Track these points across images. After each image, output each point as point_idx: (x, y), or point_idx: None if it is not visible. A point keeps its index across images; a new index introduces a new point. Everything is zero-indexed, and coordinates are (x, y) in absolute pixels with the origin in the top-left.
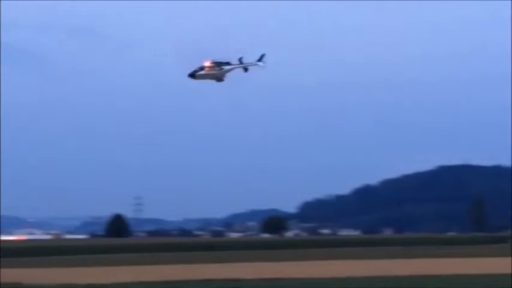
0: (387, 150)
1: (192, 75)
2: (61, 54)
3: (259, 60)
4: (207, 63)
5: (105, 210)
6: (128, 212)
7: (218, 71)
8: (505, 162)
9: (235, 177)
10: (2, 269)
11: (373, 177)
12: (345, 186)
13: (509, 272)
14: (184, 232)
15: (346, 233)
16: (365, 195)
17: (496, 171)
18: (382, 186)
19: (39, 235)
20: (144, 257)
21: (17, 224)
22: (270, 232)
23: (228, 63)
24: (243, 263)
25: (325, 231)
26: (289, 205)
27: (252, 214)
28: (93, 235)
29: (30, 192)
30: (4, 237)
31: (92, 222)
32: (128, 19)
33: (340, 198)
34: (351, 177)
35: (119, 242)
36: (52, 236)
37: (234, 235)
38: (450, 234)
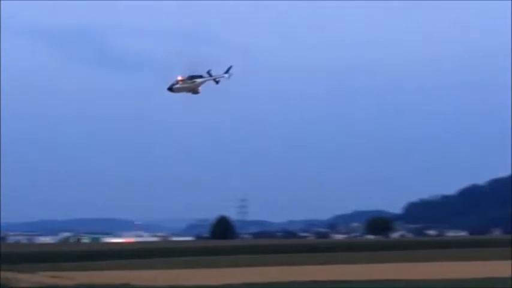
0: (494, 149)
1: (170, 88)
2: None
3: (226, 72)
4: (179, 77)
5: (211, 213)
6: (233, 214)
7: (191, 84)
8: None
9: (338, 179)
10: (110, 271)
11: (480, 177)
12: (451, 186)
13: None
14: (288, 234)
15: (452, 233)
16: (472, 195)
17: None
18: (489, 186)
19: (147, 237)
20: (249, 259)
21: (125, 226)
22: (374, 233)
23: (200, 76)
24: (348, 265)
25: (431, 232)
26: (394, 206)
27: (356, 215)
28: (199, 237)
29: (138, 196)
30: (113, 240)
31: (198, 224)
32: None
33: (446, 199)
34: (457, 177)
35: (224, 244)
36: (159, 238)
37: (338, 236)
38: None
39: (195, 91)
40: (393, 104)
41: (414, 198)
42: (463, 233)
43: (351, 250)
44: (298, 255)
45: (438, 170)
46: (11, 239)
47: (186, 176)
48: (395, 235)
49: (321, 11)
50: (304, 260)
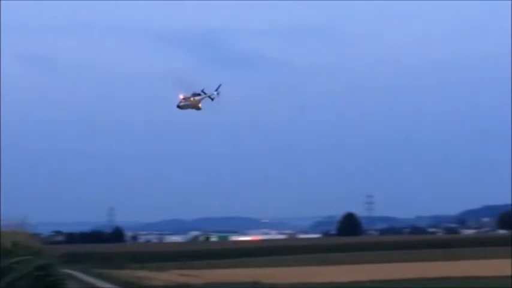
0: None
1: (178, 106)
2: None
3: (216, 90)
4: (181, 96)
5: (337, 209)
6: (359, 211)
7: (192, 102)
8: None
9: (467, 173)
10: (239, 269)
11: None
12: None
13: None
14: (416, 230)
15: None
16: None
17: None
18: None
19: (274, 235)
20: (376, 256)
21: (252, 224)
22: (506, 228)
23: (199, 94)
24: (478, 261)
25: None
26: None
27: (486, 210)
28: (326, 234)
29: (265, 194)
30: (240, 238)
31: (324, 221)
32: None
33: None
34: None
35: (350, 241)
36: (286, 236)
37: (468, 232)
38: None
39: (197, 107)
40: None
41: None
42: None
43: (481, 245)
44: (427, 251)
45: None
46: (142, 238)
47: (312, 174)
48: None
49: None
50: (433, 257)
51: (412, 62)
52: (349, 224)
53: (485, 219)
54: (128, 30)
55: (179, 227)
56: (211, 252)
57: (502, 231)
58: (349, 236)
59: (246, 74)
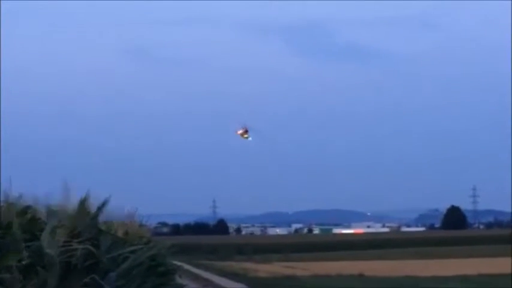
0: None
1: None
2: None
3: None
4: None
5: (442, 203)
6: (464, 204)
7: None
8: None
9: None
10: (343, 261)
11: None
12: None
13: None
14: None
15: None
16: None
17: None
18: None
19: (377, 228)
20: (482, 250)
21: (356, 217)
22: None
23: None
24: None
25: None
26: None
27: None
28: (430, 227)
29: (368, 187)
30: (343, 231)
31: (429, 214)
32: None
33: None
34: None
35: (455, 235)
36: (389, 229)
37: None
38: None
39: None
40: None
41: None
42: None
43: None
44: None
45: None
46: (246, 231)
47: (415, 166)
48: None
49: None
50: None
51: None
52: (454, 217)
53: None
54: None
55: (281, 219)
56: (314, 244)
57: None
58: (454, 230)
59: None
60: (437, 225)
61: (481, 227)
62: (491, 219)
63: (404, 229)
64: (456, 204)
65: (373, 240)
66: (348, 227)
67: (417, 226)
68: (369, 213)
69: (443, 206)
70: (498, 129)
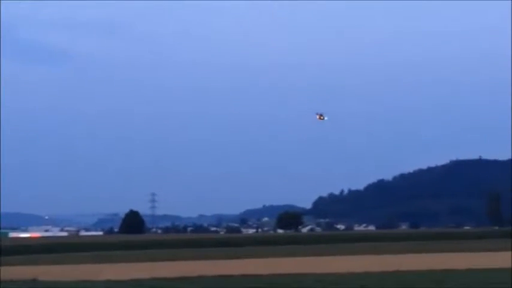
0: (401, 146)
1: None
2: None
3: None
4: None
5: (121, 207)
6: (143, 209)
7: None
8: None
9: (249, 174)
10: (17, 266)
11: (388, 172)
12: (359, 182)
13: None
14: (199, 228)
15: (361, 228)
16: (379, 190)
17: (511, 165)
18: (396, 181)
19: (55, 232)
20: (159, 254)
21: (34, 221)
22: (285, 228)
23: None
24: (259, 259)
25: (341, 226)
26: (304, 201)
27: (267, 210)
28: (109, 232)
29: (46, 190)
30: (21, 235)
31: (108, 218)
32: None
33: (354, 194)
34: (366, 172)
35: (133, 239)
36: (68, 233)
37: (249, 231)
38: (466, 228)
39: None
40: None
41: (323, 193)
42: (371, 227)
43: (262, 244)
44: (209, 249)
45: (346, 166)
46: None
47: (95, 171)
48: (305, 229)
49: None
50: (215, 255)
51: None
52: (133, 222)
53: (266, 219)
54: None
55: None
56: None
57: (280, 231)
58: (132, 234)
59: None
60: (116, 230)
61: (159, 231)
62: (168, 223)
63: (83, 233)
64: (135, 209)
65: (50, 244)
66: (25, 230)
67: (96, 230)
68: (46, 217)
69: (123, 211)
70: (174, 138)
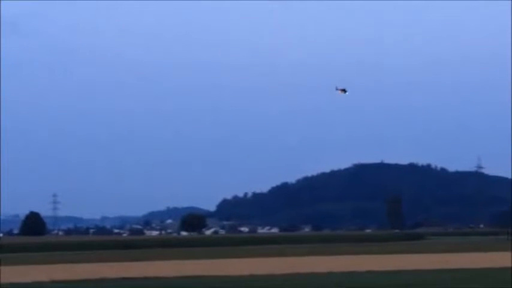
0: (304, 149)
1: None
2: None
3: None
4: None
5: (23, 208)
6: (44, 210)
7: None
8: (419, 160)
9: (153, 175)
10: None
11: (291, 175)
12: (263, 184)
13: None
14: (101, 230)
15: (264, 230)
16: (283, 193)
17: (411, 169)
18: (299, 184)
19: None
20: (60, 256)
21: None
22: (188, 230)
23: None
24: (162, 261)
25: (244, 229)
26: (208, 203)
27: (171, 212)
28: (8, 233)
29: None
30: None
31: (8, 220)
32: None
33: (258, 196)
34: (269, 175)
35: (34, 241)
36: None
37: (152, 233)
38: (367, 231)
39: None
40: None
41: (228, 195)
42: (274, 230)
43: (165, 246)
44: (111, 251)
45: (250, 168)
46: None
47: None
48: (208, 232)
49: None
50: (118, 257)
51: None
52: (33, 223)
53: (169, 221)
54: None
55: None
56: None
57: (184, 233)
58: (32, 236)
59: None
60: (16, 231)
61: (61, 233)
62: (71, 225)
63: None
64: (36, 210)
65: None
66: None
67: None
68: None
69: (24, 212)
70: (84, 136)
